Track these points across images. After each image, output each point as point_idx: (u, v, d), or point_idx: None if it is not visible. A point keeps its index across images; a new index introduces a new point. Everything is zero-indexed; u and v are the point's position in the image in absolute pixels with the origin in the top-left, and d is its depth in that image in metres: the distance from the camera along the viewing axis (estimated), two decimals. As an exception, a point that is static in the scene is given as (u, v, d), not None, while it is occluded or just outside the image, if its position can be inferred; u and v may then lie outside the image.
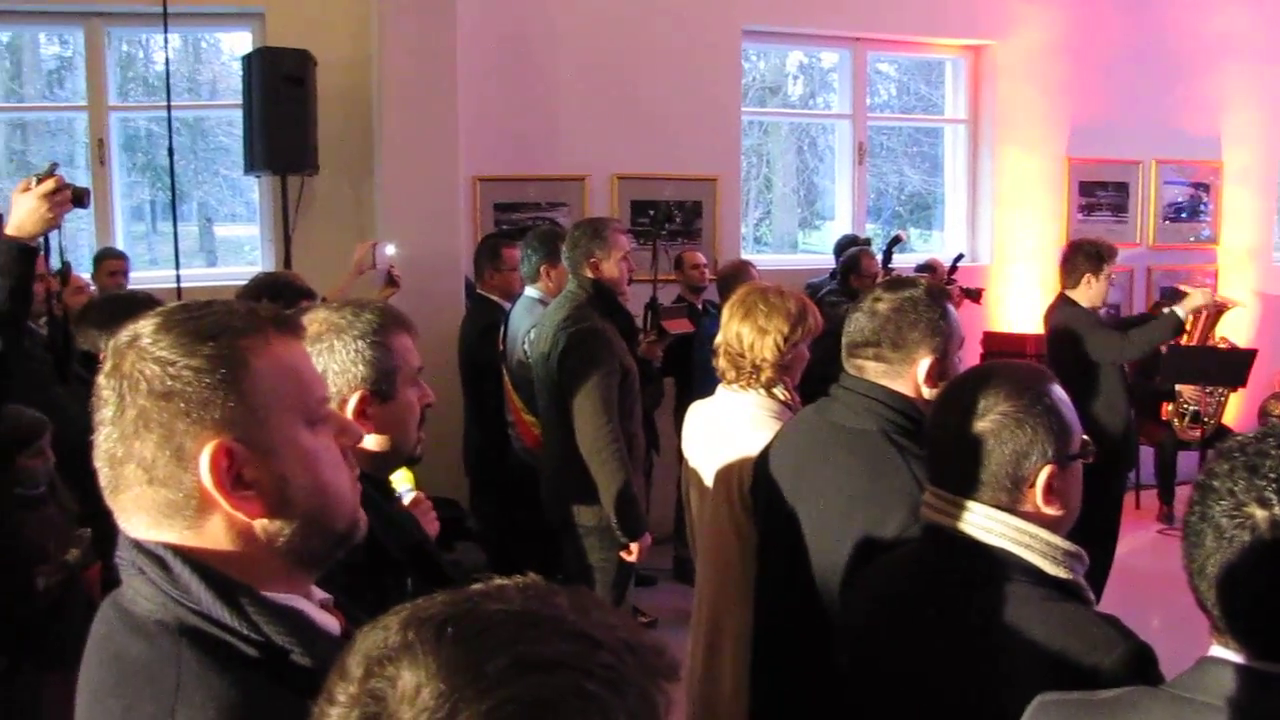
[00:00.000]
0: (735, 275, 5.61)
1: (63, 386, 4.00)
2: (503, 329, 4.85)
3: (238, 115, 7.00)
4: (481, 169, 6.58)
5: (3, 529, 3.14)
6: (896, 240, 6.24)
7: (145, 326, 1.21)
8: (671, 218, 6.89)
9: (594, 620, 0.81)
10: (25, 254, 2.81)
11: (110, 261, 5.89)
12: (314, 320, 1.99)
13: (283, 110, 5.74)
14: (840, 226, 7.76)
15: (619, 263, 4.12)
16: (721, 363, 3.14)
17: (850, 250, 6.54)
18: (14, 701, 3.11)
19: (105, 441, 1.20)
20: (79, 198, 2.93)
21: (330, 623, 1.29)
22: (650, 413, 5.53)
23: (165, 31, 6.01)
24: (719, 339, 3.14)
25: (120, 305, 3.52)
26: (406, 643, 0.78)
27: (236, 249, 8.32)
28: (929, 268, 6.77)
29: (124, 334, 1.22)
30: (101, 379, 1.21)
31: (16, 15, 6.73)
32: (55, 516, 3.72)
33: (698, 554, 3.35)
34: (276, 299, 3.98)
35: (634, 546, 3.97)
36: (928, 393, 2.38)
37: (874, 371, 2.43)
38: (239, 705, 1.09)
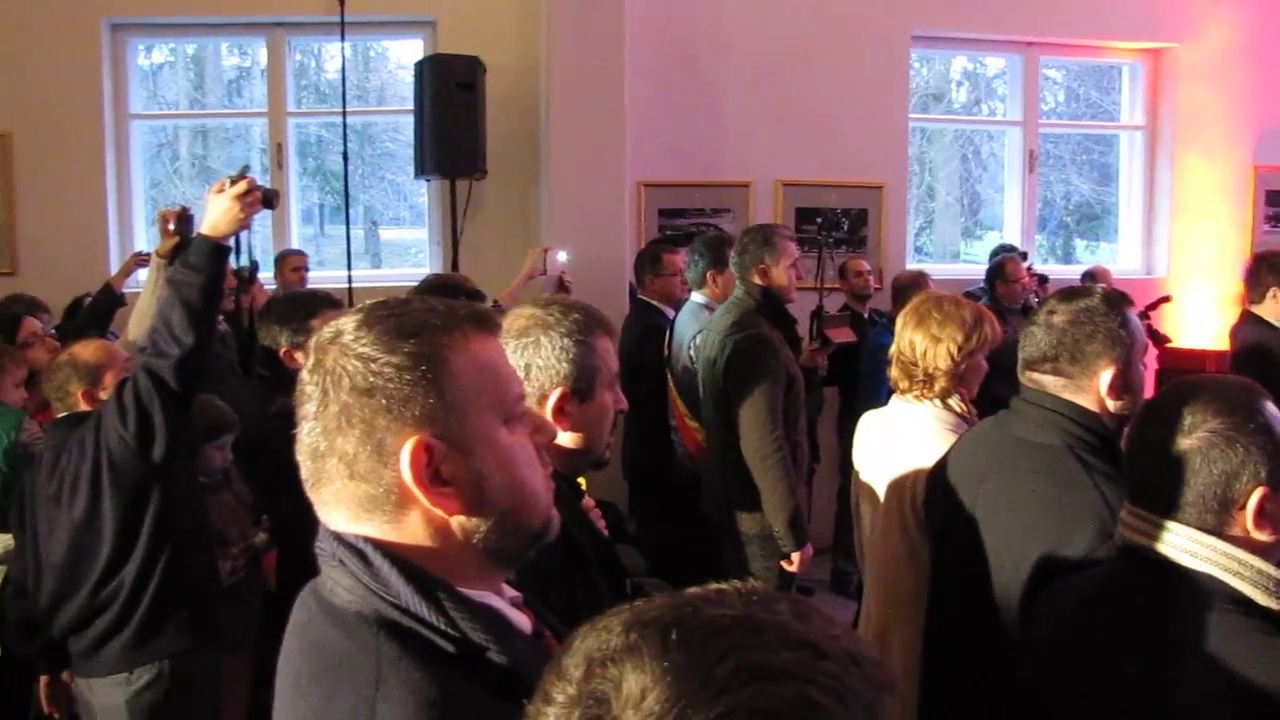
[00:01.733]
0: (910, 285, 5.53)
1: (245, 380, 4.16)
2: (667, 334, 4.84)
3: (403, 121, 7.21)
4: (646, 174, 6.60)
5: (193, 513, 3.25)
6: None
7: (347, 323, 1.23)
8: (838, 225, 6.81)
9: (816, 629, 0.79)
10: (218, 252, 2.91)
11: (293, 258, 6.13)
12: (520, 315, 2.02)
13: (453, 115, 5.87)
14: (1009, 236, 7.55)
15: (787, 270, 4.08)
16: (894, 371, 3.08)
17: (998, 257, 6.39)
18: (195, 682, 3.20)
19: (308, 436, 1.22)
20: (268, 199, 3.03)
21: (523, 621, 1.29)
22: (812, 422, 5.46)
23: (342, 40, 6.21)
24: (893, 348, 3.07)
25: (300, 302, 3.64)
26: (630, 645, 0.77)
27: (400, 251, 8.54)
28: (1092, 276, 6.54)
29: (326, 330, 1.24)
30: (305, 374, 1.23)
31: (204, 28, 7.05)
32: (231, 503, 3.86)
33: (866, 566, 3.28)
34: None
35: (795, 557, 3.92)
36: (1112, 405, 2.29)
37: (1054, 386, 2.34)
38: (437, 700, 1.09)
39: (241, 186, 2.93)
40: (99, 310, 5.13)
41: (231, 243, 2.97)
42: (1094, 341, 2.28)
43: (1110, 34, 7.55)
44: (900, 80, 7.10)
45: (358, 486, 1.19)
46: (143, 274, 5.32)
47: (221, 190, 2.94)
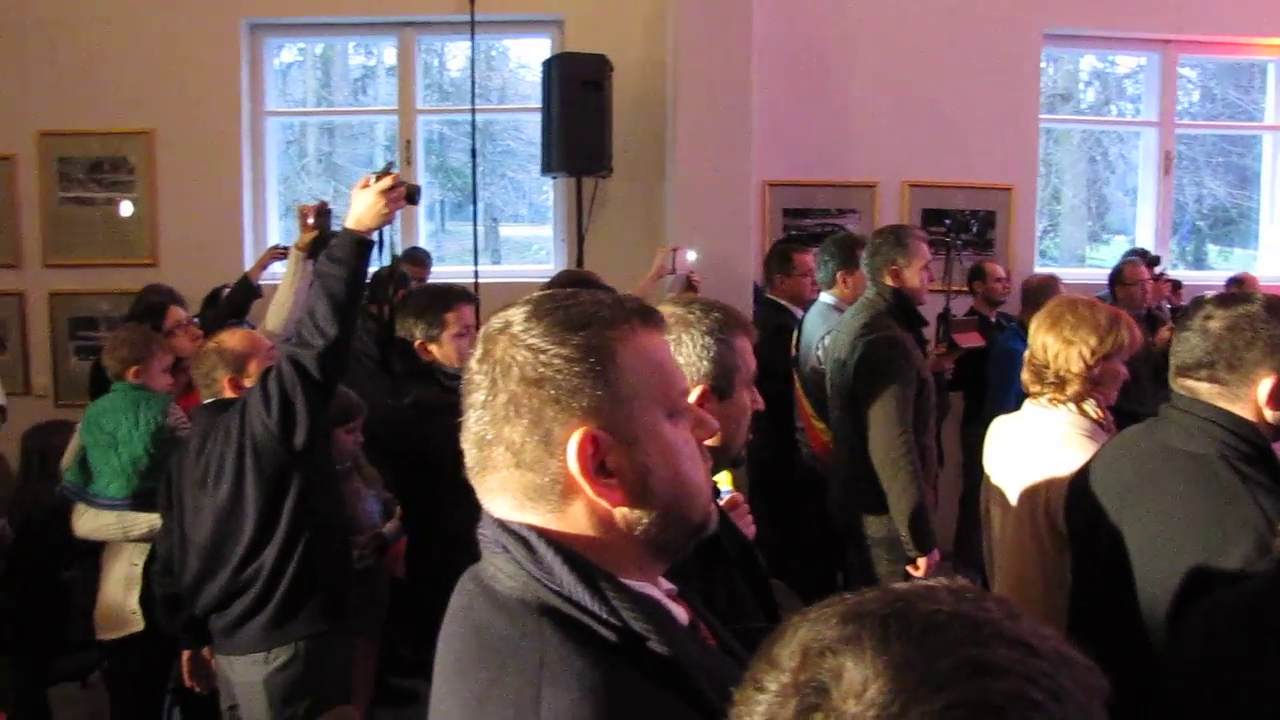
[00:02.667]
0: (1040, 289, 5.44)
1: (373, 371, 4.25)
2: (795, 334, 4.82)
3: (524, 119, 7.29)
4: (772, 174, 6.58)
5: (330, 500, 3.33)
6: None
7: (516, 314, 1.24)
8: (967, 227, 6.71)
9: (1026, 628, 0.80)
10: (362, 246, 2.97)
11: (416, 254, 6.22)
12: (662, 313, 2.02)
13: (580, 114, 5.90)
14: (1141, 240, 7.35)
15: (920, 271, 4.03)
16: (1026, 375, 3.02)
17: (1118, 261, 6.23)
18: (328, 664, 3.28)
19: (475, 424, 1.24)
20: (411, 195, 3.08)
21: (680, 613, 1.29)
22: (937, 426, 5.38)
23: (472, 39, 6.30)
24: (1027, 351, 3.02)
25: (436, 295, 3.70)
26: (848, 636, 0.78)
27: (520, 248, 8.61)
28: (1239, 283, 6.33)
29: (495, 321, 1.26)
30: (473, 364, 1.25)
31: (337, 27, 7.21)
32: (360, 490, 3.95)
33: (995, 573, 3.22)
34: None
35: (922, 562, 3.86)
36: (1270, 415, 2.20)
37: (1208, 393, 2.26)
38: (601, 687, 1.10)
39: (386, 182, 2.99)
40: (236, 301, 5.27)
41: (375, 237, 3.03)
42: (1254, 349, 2.20)
43: (1253, 30, 7.28)
44: (1030, 80, 6.94)
45: (523, 475, 1.21)
46: (277, 267, 5.48)
47: (366, 185, 3.00)
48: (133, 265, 6.75)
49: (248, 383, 3.25)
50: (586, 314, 1.23)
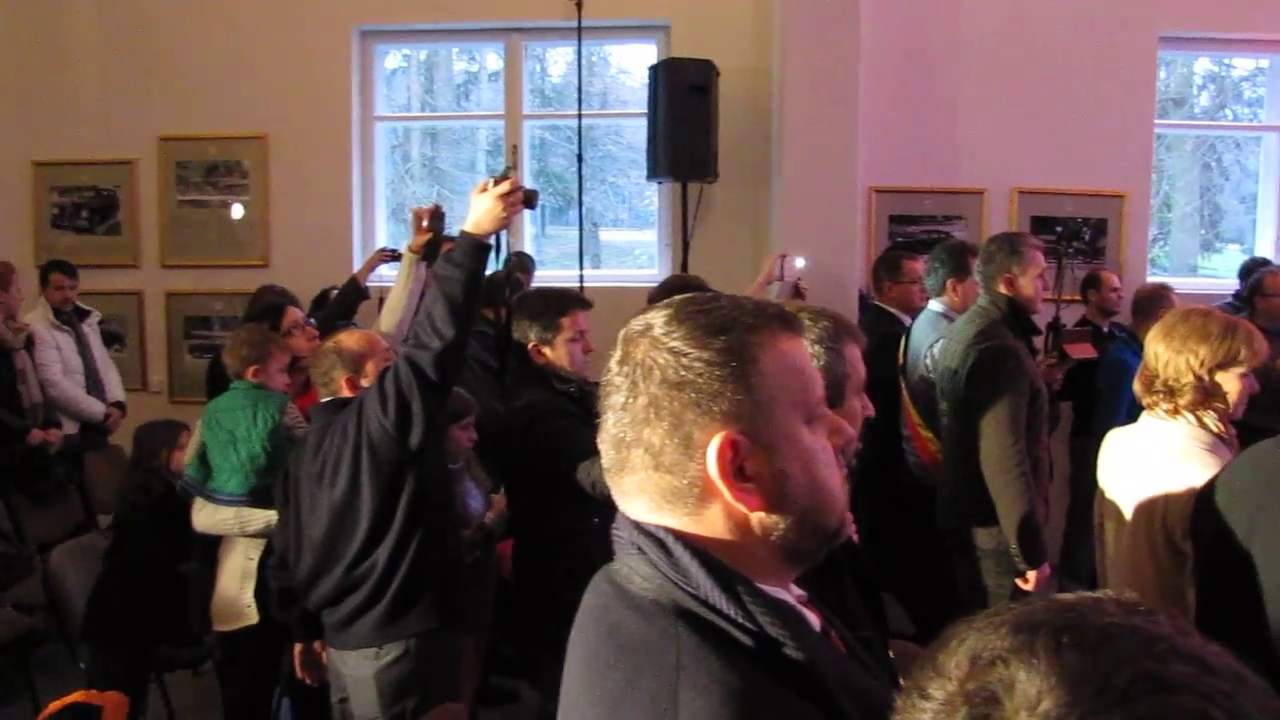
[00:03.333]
0: (1152, 298, 5.32)
1: (483, 372, 4.30)
2: (903, 342, 4.76)
3: (625, 125, 7.32)
4: (878, 180, 6.52)
5: (444, 499, 3.38)
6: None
7: (656, 318, 1.25)
8: (1079, 235, 6.58)
9: (1200, 644, 0.78)
10: (480, 249, 3.01)
11: (521, 259, 6.27)
12: None
13: (686, 119, 5.91)
14: (1260, 249, 7.12)
15: (1034, 280, 3.97)
16: (1138, 385, 2.96)
17: (1258, 272, 6.02)
18: (437, 661, 3.32)
19: (614, 426, 1.24)
20: (529, 199, 3.11)
21: (813, 619, 1.29)
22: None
23: (579, 44, 6.34)
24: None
25: (552, 299, 3.73)
26: (1019, 646, 0.77)
27: (619, 253, 8.65)
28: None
29: (635, 324, 1.26)
30: (613, 365, 1.25)
31: (446, 33, 7.32)
32: (470, 489, 4.00)
33: (1109, 588, 3.14)
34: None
35: (1031, 576, 3.80)
36: None
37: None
38: (739, 690, 1.10)
39: (504, 186, 3.02)
40: (345, 302, 5.36)
41: (492, 240, 3.07)
42: None
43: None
44: (1145, 84, 6.77)
45: (662, 478, 1.21)
46: (384, 269, 5.58)
47: (485, 190, 3.04)
48: (245, 266, 6.93)
49: (365, 382, 3.31)
50: (728, 318, 1.23)
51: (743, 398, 1.19)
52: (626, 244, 8.67)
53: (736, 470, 1.19)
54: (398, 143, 7.77)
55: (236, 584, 3.97)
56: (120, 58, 7.10)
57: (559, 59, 7.76)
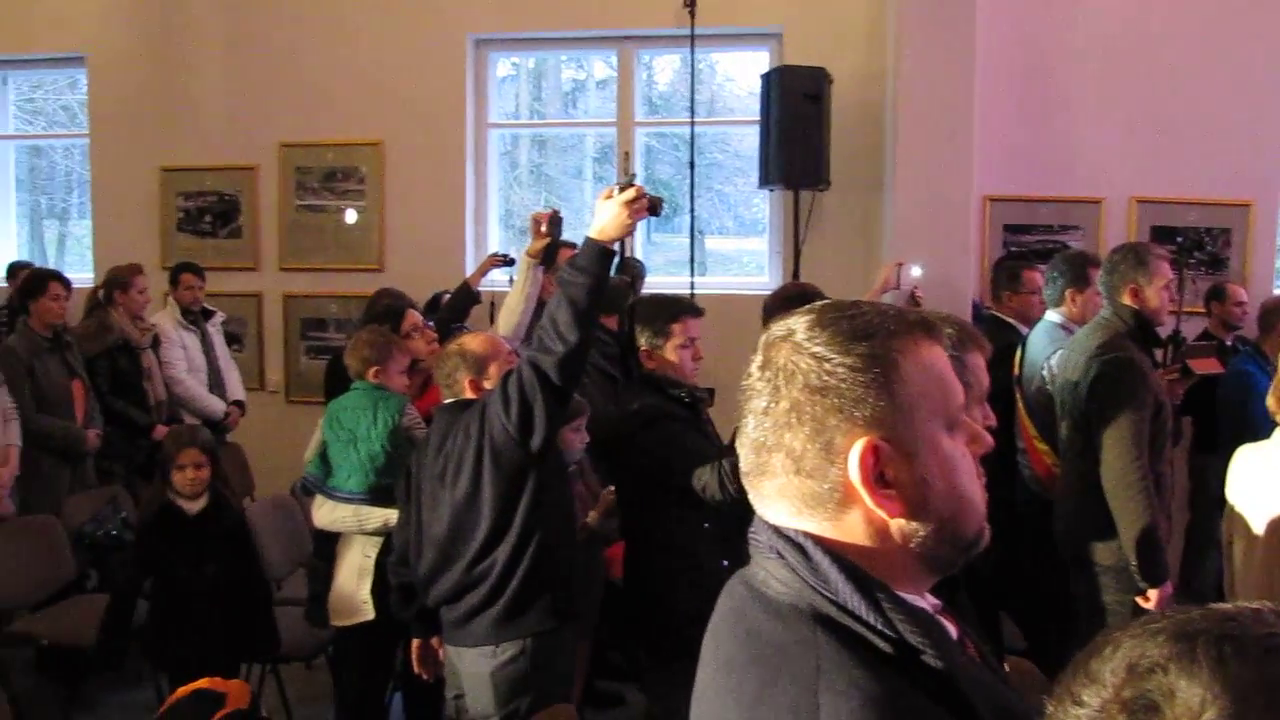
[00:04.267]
0: (1277, 310, 5.15)
1: (608, 378, 4.33)
2: (1018, 354, 4.69)
3: (731, 132, 7.31)
4: (993, 188, 6.43)
5: (562, 501, 3.42)
6: None
7: (798, 323, 1.25)
8: (1201, 245, 6.41)
9: None
10: (605, 255, 3.04)
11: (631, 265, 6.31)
12: None
13: (799, 127, 5.90)
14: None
15: (1160, 291, 3.87)
16: (1271, 400, 2.88)
17: None
18: (553, 661, 3.35)
19: (754, 430, 1.24)
20: (654, 206, 3.12)
21: (950, 627, 1.28)
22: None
23: (691, 52, 6.35)
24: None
25: (663, 305, 3.76)
26: (1179, 654, 0.77)
27: (725, 261, 8.64)
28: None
29: (777, 329, 1.26)
30: (753, 370, 1.26)
31: (558, 41, 7.42)
32: (583, 494, 4.03)
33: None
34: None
35: (1153, 594, 3.70)
36: None
37: None
38: (880, 697, 1.09)
39: (630, 194, 3.04)
40: (457, 306, 5.43)
41: (616, 247, 3.10)
42: None
43: None
44: (1273, 88, 6.56)
45: (802, 483, 1.21)
46: (496, 274, 5.66)
47: (610, 196, 3.06)
48: (360, 270, 7.09)
49: (487, 385, 3.36)
50: (870, 324, 1.23)
51: (885, 404, 1.19)
52: (732, 252, 8.65)
53: (878, 476, 1.19)
54: (506, 149, 7.88)
55: (354, 580, 4.05)
56: (244, 68, 7.34)
57: (665, 66, 7.80)
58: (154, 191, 7.55)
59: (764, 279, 6.94)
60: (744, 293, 6.39)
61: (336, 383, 4.49)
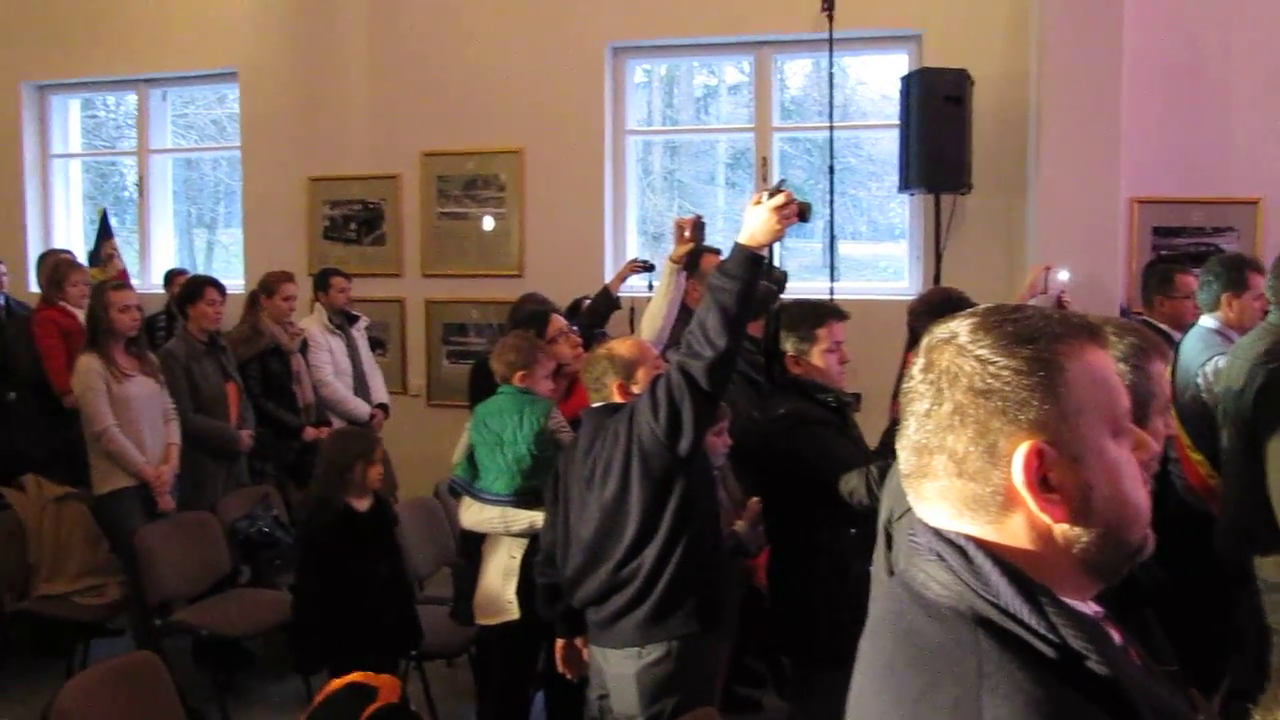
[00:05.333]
0: None
1: (750, 383, 4.33)
2: (1171, 359, 4.55)
3: (863, 136, 7.24)
4: (1141, 190, 6.23)
5: (708, 504, 3.43)
6: None
7: (961, 326, 1.25)
8: (1367, 248, 6.13)
9: None
10: (754, 261, 3.04)
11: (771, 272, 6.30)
12: None
13: (940, 130, 5.83)
14: None
15: None
16: None
17: None
18: (697, 664, 3.36)
19: (916, 432, 1.24)
20: (804, 212, 3.11)
21: (1114, 634, 1.26)
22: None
23: (830, 56, 6.32)
24: None
25: (809, 310, 3.75)
26: None
27: (857, 266, 8.56)
28: None
29: (940, 331, 1.26)
30: (915, 373, 1.26)
31: (694, 48, 7.45)
32: (723, 500, 4.02)
33: None
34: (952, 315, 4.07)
35: (1324, 613, 3.55)
36: None
37: None
38: (1043, 700, 1.09)
39: (780, 200, 3.04)
40: (597, 312, 5.49)
41: (765, 253, 3.09)
42: None
43: None
44: None
45: (964, 485, 1.21)
46: (634, 280, 5.70)
47: (759, 203, 3.06)
48: (500, 276, 7.22)
49: (636, 389, 3.38)
50: (1035, 328, 1.22)
51: (1050, 407, 1.18)
52: (866, 257, 8.58)
53: (1041, 480, 1.18)
54: (639, 156, 7.94)
55: (499, 580, 4.11)
56: (387, 79, 7.55)
57: (796, 71, 7.76)
58: (301, 200, 7.81)
59: (903, 284, 6.86)
60: (883, 298, 6.34)
61: (481, 387, 4.56)
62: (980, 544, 1.20)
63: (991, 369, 1.20)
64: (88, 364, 5.15)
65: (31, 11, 8.55)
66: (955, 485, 1.22)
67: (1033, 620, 1.15)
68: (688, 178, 8.50)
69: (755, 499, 3.95)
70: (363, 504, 4.24)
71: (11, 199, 8.77)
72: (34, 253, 8.42)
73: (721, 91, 8.49)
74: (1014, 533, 1.21)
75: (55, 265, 6.51)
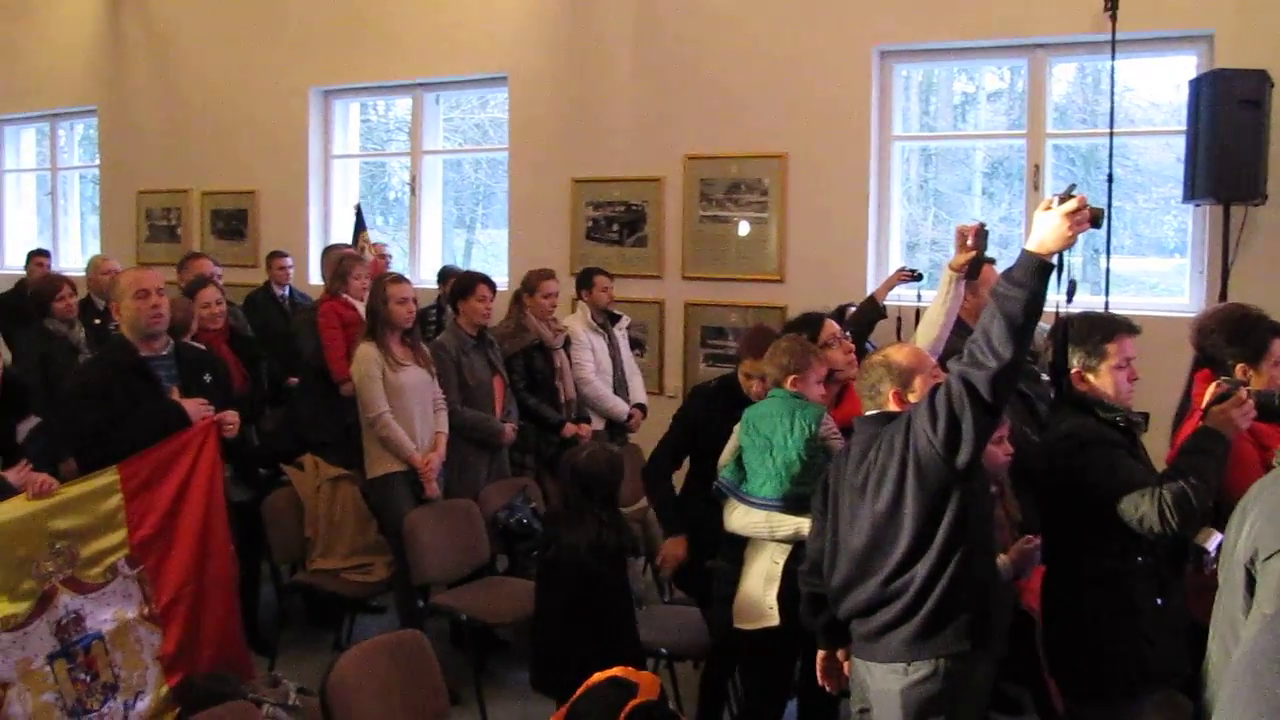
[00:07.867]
0: None
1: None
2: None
3: (1129, 144, 6.88)
4: None
5: (984, 520, 3.32)
6: None
7: None
8: None
9: None
10: (1043, 269, 2.92)
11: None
12: None
13: (1233, 135, 5.50)
14: None
15: None
16: None
17: None
18: (964, 685, 3.24)
19: None
20: (1096, 218, 2.97)
21: None
22: None
23: (1113, 58, 6.02)
24: None
25: (1097, 324, 3.60)
26: None
27: (1121, 281, 8.12)
28: None
29: None
30: None
31: (964, 51, 7.26)
32: (1001, 519, 3.88)
33: None
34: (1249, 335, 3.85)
35: None
36: None
37: None
38: None
39: (1071, 204, 2.91)
40: (862, 320, 5.41)
41: (1055, 260, 2.97)
42: None
43: None
44: None
45: None
46: (900, 289, 5.59)
47: (1049, 208, 2.95)
48: (761, 280, 7.22)
49: (912, 398, 3.31)
50: None
51: None
52: (1131, 272, 8.15)
53: None
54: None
55: (761, 586, 4.10)
56: (651, 83, 7.68)
57: (1060, 77, 7.44)
58: (565, 201, 8.04)
59: (1182, 299, 6.49)
60: (1160, 314, 6.00)
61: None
62: None
63: None
64: (366, 353, 5.43)
65: (321, 21, 9.13)
66: None
67: None
68: (944, 187, 8.30)
69: (1029, 537, 3.80)
70: None
71: (297, 198, 9.39)
72: (314, 248, 8.98)
73: (980, 98, 8.26)
74: None
75: (340, 260, 6.86)
